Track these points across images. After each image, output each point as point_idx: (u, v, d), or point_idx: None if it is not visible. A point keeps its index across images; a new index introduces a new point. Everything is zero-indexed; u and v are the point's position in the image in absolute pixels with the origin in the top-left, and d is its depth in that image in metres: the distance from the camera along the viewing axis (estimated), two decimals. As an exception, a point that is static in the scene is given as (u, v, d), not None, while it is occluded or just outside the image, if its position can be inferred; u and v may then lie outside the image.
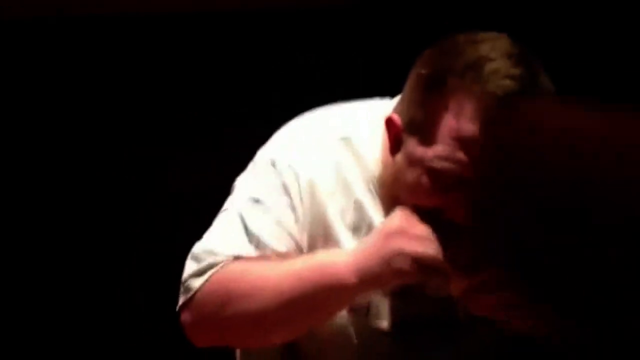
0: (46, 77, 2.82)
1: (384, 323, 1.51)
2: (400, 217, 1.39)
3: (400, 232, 1.36)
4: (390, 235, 1.37)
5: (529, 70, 1.31)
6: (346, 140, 1.53)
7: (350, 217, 1.51)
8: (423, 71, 1.37)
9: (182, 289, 1.52)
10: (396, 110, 1.43)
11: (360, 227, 1.51)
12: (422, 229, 1.36)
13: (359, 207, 1.51)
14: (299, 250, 1.51)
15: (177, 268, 1.79)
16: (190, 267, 1.51)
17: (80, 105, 2.83)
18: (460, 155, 1.32)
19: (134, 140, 2.82)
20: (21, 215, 2.84)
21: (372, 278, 1.39)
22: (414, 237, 1.36)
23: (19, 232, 2.83)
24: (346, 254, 1.42)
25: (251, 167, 1.59)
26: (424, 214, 1.37)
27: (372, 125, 1.50)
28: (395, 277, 1.39)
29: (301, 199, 1.50)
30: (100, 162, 2.85)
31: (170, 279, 1.86)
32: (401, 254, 1.35)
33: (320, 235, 1.51)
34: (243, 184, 1.58)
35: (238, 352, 1.74)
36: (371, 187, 1.51)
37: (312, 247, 1.51)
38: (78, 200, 2.82)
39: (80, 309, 2.79)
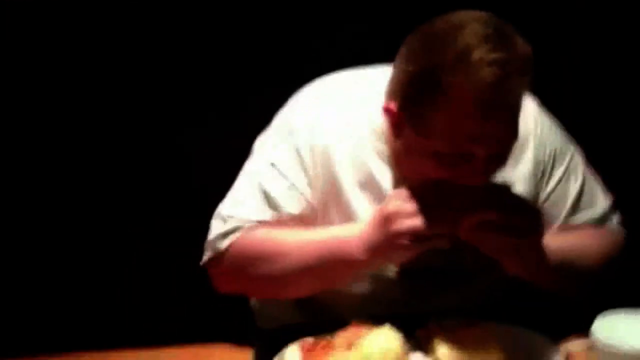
0: (59, 36, 2.76)
1: (394, 271, 1.64)
2: (394, 198, 1.50)
3: (395, 214, 1.47)
4: (387, 217, 1.48)
5: (507, 46, 1.38)
6: (356, 104, 1.65)
7: (358, 176, 1.63)
8: (411, 68, 1.44)
9: (208, 247, 1.66)
10: (390, 96, 1.52)
11: (367, 184, 1.63)
12: (411, 207, 1.46)
13: (366, 167, 1.63)
14: (312, 210, 1.64)
15: (193, 227, 1.88)
16: (216, 228, 1.64)
17: (96, 69, 2.79)
18: (463, 141, 1.41)
19: (152, 103, 2.82)
20: (47, 174, 2.84)
21: (380, 256, 1.52)
22: (406, 215, 1.46)
23: (46, 188, 2.86)
24: (358, 231, 1.54)
25: (269, 131, 1.72)
26: (419, 188, 1.49)
27: (379, 91, 1.58)
28: (403, 256, 1.51)
29: (314, 161, 1.63)
30: (117, 124, 2.84)
31: (187, 239, 1.96)
32: (398, 233, 1.46)
33: (331, 194, 1.63)
34: (262, 148, 1.71)
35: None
36: (378, 148, 1.63)
37: (324, 204, 1.64)
38: (96, 165, 2.85)
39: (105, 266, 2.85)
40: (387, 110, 1.52)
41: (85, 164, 2.81)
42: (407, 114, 1.48)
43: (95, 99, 2.77)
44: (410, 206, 1.46)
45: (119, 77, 2.77)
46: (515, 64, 1.37)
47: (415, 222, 1.45)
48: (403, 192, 1.50)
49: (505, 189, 1.54)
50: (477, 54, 1.35)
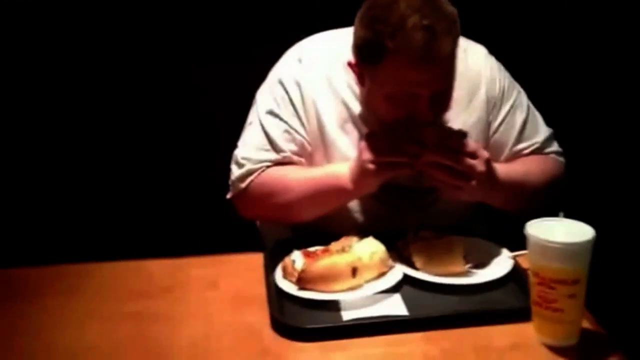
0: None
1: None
2: (367, 136, 1.84)
3: (365, 146, 1.80)
4: (360, 150, 1.81)
5: (435, 12, 1.67)
6: (336, 56, 1.95)
7: (339, 113, 1.96)
8: (363, 34, 1.74)
9: (231, 187, 2.00)
10: (352, 54, 1.83)
11: (347, 120, 1.96)
12: (379, 140, 1.79)
13: (345, 106, 1.96)
14: (308, 146, 1.96)
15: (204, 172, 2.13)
16: (235, 171, 1.98)
17: (108, 21, 2.92)
18: (407, 86, 1.73)
19: (161, 53, 2.97)
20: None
21: (362, 184, 1.84)
22: (373, 146, 1.79)
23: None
24: (347, 166, 1.86)
25: (265, 84, 2.04)
26: (388, 127, 1.80)
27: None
28: (375, 180, 1.83)
29: (303, 105, 1.96)
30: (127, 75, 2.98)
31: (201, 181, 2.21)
32: (367, 161, 1.79)
33: (319, 134, 1.96)
34: (261, 99, 2.02)
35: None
36: (354, 90, 1.95)
37: (313, 140, 1.97)
38: (108, 116, 3.02)
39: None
40: (350, 65, 1.85)
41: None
42: (365, 69, 1.81)
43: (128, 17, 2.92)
44: (377, 140, 1.80)
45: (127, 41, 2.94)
46: (441, 26, 1.67)
47: (380, 151, 1.78)
48: (375, 130, 1.84)
49: (460, 136, 1.80)
50: (411, 22, 1.66)
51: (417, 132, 1.76)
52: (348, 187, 1.85)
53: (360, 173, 1.81)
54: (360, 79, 1.85)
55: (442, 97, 1.79)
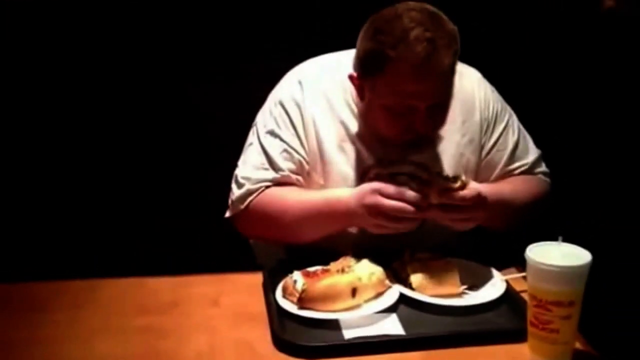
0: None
1: None
2: (371, 178, 1.88)
3: (375, 190, 1.80)
4: (370, 191, 1.82)
5: (436, 27, 1.75)
6: (335, 77, 2.01)
7: (337, 133, 2.00)
8: (367, 46, 1.80)
9: (231, 206, 2.03)
10: (354, 68, 1.89)
11: (345, 139, 2.00)
12: (391, 188, 1.79)
13: (343, 125, 2.01)
14: (305, 164, 1.99)
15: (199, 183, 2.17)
16: (235, 191, 2.01)
17: (108, 33, 2.96)
18: (406, 97, 1.79)
19: (160, 67, 3.02)
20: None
21: (361, 223, 1.87)
22: (386, 194, 1.79)
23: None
24: (348, 195, 1.87)
25: (265, 105, 2.08)
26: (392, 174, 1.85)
27: (348, 68, 1.93)
28: (372, 226, 1.83)
29: (303, 126, 2.00)
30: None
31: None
32: (374, 207, 1.79)
33: (316, 151, 2.00)
34: (261, 119, 2.06)
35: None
36: (353, 109, 2.00)
37: (312, 159, 2.00)
38: (103, 131, 3.06)
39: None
40: (351, 78, 1.91)
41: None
42: (366, 80, 1.86)
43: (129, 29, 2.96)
44: (384, 184, 1.80)
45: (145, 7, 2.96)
46: (442, 40, 1.74)
47: (386, 203, 1.78)
48: (379, 171, 1.89)
49: (460, 188, 1.78)
50: (414, 34, 1.73)
51: (415, 148, 1.84)
52: (346, 222, 1.91)
53: (362, 215, 1.83)
54: (360, 92, 1.91)
55: (439, 110, 1.86)
